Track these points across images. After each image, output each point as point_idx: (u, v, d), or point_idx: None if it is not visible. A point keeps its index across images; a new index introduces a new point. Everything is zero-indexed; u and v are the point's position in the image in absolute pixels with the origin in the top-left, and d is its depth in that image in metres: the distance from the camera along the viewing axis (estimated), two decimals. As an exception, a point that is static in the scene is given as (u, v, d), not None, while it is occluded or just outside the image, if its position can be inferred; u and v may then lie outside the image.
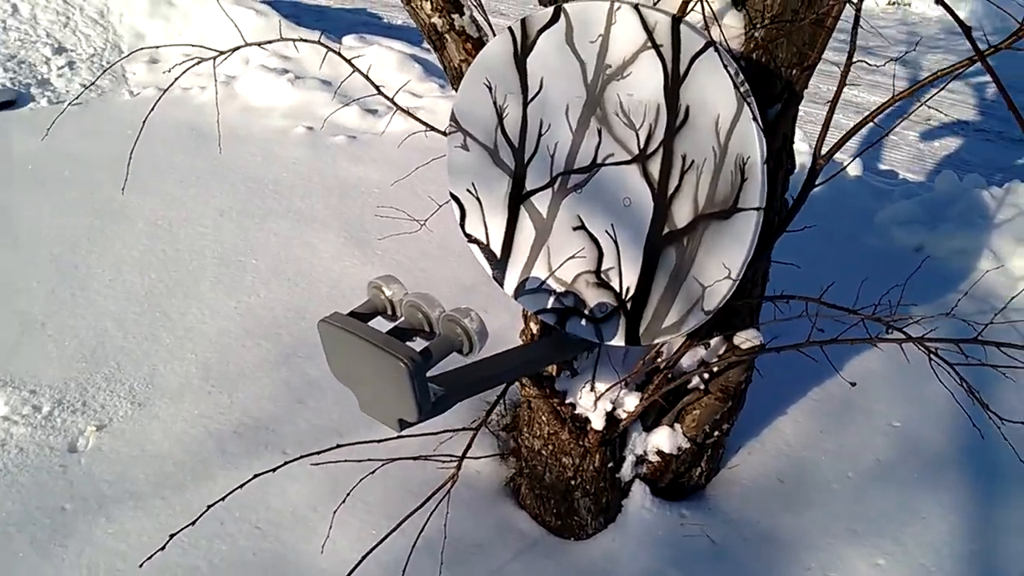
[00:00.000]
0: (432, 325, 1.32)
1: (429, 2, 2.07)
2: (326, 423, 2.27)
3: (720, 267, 1.42)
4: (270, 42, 1.98)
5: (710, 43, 1.36)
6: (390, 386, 1.25)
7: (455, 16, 2.08)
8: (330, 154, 3.95)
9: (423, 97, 4.62)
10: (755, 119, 1.33)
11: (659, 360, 1.79)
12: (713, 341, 1.81)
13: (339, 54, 2.05)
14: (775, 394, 2.34)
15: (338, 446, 1.86)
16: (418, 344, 1.30)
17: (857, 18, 1.49)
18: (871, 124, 1.48)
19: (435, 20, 2.08)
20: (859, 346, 2.34)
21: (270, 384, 2.41)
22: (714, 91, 1.38)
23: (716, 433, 1.95)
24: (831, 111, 1.54)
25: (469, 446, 1.89)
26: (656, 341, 1.54)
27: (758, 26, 1.63)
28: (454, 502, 1.88)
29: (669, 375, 1.74)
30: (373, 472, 1.88)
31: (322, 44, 2.03)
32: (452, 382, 1.36)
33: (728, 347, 1.79)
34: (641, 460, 1.91)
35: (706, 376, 1.84)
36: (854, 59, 1.42)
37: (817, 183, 1.55)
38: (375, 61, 4.77)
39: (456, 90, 2.15)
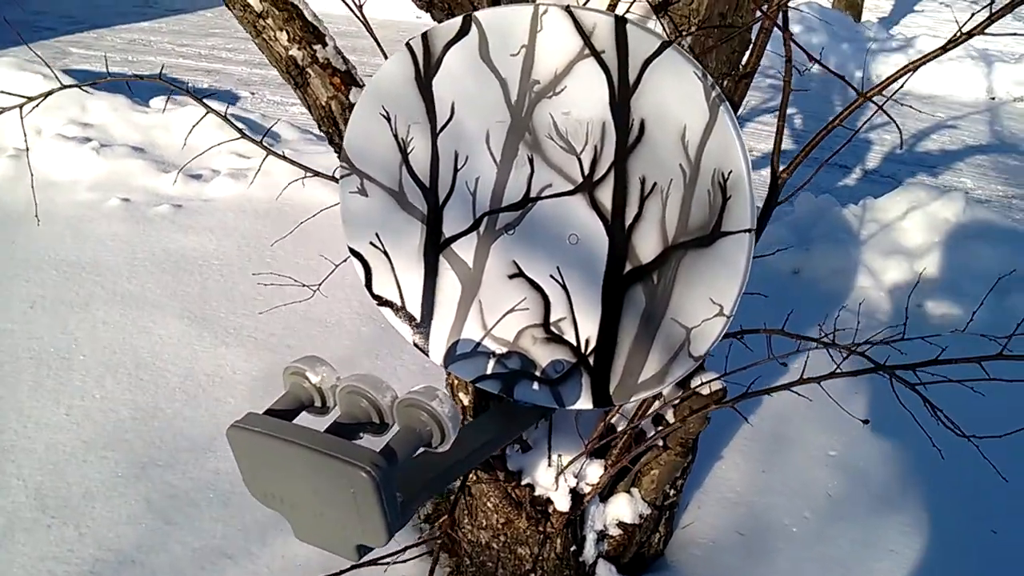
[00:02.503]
0: (383, 415, 1.01)
1: (285, 33, 1.78)
2: (208, 544, 1.86)
3: (707, 303, 1.20)
4: (94, 83, 1.60)
5: (667, 43, 1.16)
6: (343, 504, 0.93)
7: (317, 47, 1.80)
8: (154, 227, 3.47)
9: (252, 157, 4.21)
10: (735, 126, 1.13)
11: (612, 418, 1.55)
12: (667, 390, 1.59)
13: (191, 94, 1.71)
14: (704, 437, 2.17)
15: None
16: (365, 441, 1.00)
17: (786, 23, 1.35)
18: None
19: (294, 53, 1.79)
20: (771, 374, 2.21)
21: (125, 505, 1.96)
22: (676, 99, 1.17)
23: (672, 492, 1.73)
24: (781, 124, 1.39)
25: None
26: (635, 399, 1.30)
27: (684, 33, 1.47)
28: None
29: (635, 436, 1.50)
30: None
31: (163, 81, 1.67)
32: (409, 485, 1.05)
33: (686, 394, 1.57)
34: (602, 536, 1.66)
35: (660, 429, 1.62)
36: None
37: (780, 200, 1.38)
38: (190, 122, 4.32)
39: (326, 131, 1.86)
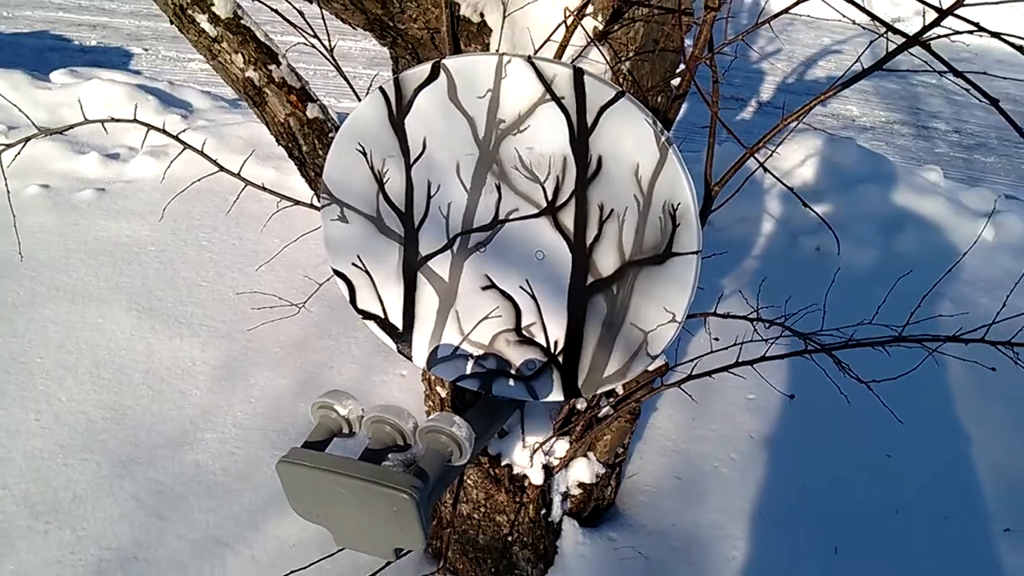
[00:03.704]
0: (406, 438, 1.20)
1: (240, 55, 1.87)
2: (202, 535, 2.01)
3: (660, 311, 1.42)
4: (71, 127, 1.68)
5: (622, 93, 1.34)
6: (385, 519, 1.12)
7: (272, 67, 1.89)
8: (80, 214, 3.45)
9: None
10: (682, 165, 1.33)
11: (576, 401, 1.77)
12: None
13: (159, 128, 1.78)
14: (641, 392, 2.43)
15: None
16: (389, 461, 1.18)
17: (711, 44, 1.54)
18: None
19: (250, 74, 1.88)
20: (694, 328, 2.48)
21: (115, 504, 2.09)
22: (630, 140, 1.36)
23: (621, 451, 1.98)
24: (711, 140, 1.60)
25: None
26: (600, 391, 1.52)
27: (623, 59, 1.64)
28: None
29: (593, 415, 1.73)
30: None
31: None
32: (434, 493, 1.24)
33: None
34: (566, 496, 1.90)
35: (613, 403, 1.86)
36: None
37: (713, 208, 1.60)
38: (100, 98, 4.24)
39: (285, 146, 1.97)
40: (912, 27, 1.26)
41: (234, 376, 2.55)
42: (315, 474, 1.12)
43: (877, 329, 1.66)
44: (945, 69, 1.19)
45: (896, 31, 1.29)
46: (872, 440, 2.39)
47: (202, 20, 1.82)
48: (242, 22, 1.85)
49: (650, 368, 1.82)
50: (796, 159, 3.93)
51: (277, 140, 1.96)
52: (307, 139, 1.92)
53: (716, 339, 1.75)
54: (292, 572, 1.70)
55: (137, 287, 2.97)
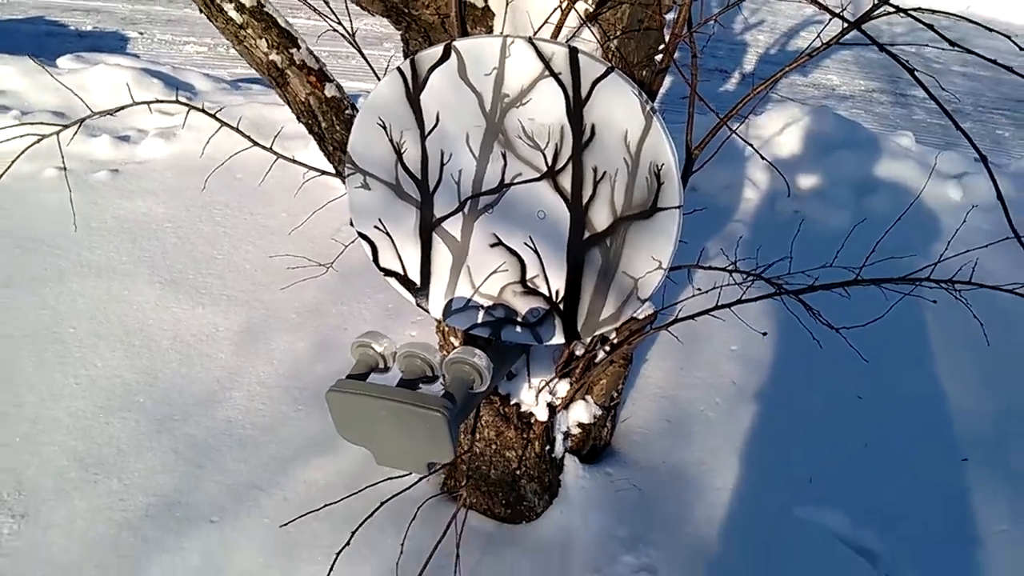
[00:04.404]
0: (434, 369, 1.40)
1: (264, 40, 2.04)
2: (237, 480, 2.21)
3: (649, 260, 1.62)
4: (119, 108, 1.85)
5: (611, 68, 1.53)
6: (420, 436, 1.32)
7: (293, 51, 2.06)
8: (97, 194, 3.63)
9: (175, 115, 4.34)
10: (665, 131, 1.53)
11: (573, 347, 1.98)
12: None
13: (206, 112, 1.96)
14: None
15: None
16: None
17: (689, 23, 1.74)
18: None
19: (273, 58, 2.05)
20: (680, 281, 2.69)
21: (155, 457, 2.28)
22: (619, 110, 1.56)
23: (616, 395, 2.19)
24: (691, 111, 1.80)
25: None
26: (597, 333, 1.72)
27: (611, 37, 1.84)
28: (404, 524, 1.95)
29: (591, 358, 1.94)
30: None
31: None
32: (459, 415, 1.45)
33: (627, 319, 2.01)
34: (567, 435, 2.11)
35: (607, 349, 2.06)
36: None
37: (694, 169, 1.80)
38: (108, 83, 4.40)
39: (306, 123, 2.15)
40: None
41: (256, 340, 2.75)
42: (360, 400, 1.33)
43: (843, 275, 1.87)
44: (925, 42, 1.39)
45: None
46: (845, 382, 2.61)
47: (229, 8, 1.99)
48: (265, 9, 2.02)
49: (640, 316, 2.04)
50: (775, 128, 4.13)
51: (298, 117, 2.14)
52: (325, 116, 2.10)
53: (699, 289, 1.95)
54: (325, 504, 1.91)
55: (158, 261, 3.15)
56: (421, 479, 2.03)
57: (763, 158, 1.97)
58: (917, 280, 1.61)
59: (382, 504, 1.83)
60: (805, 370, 2.63)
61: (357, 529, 1.78)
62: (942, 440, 2.43)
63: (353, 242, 1.90)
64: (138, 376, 2.57)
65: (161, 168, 3.86)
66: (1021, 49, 1.56)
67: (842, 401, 2.57)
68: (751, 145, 1.91)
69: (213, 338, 2.76)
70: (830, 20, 1.84)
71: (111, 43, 6.78)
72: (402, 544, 1.84)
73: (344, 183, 1.84)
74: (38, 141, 1.86)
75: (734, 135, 1.80)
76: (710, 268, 1.95)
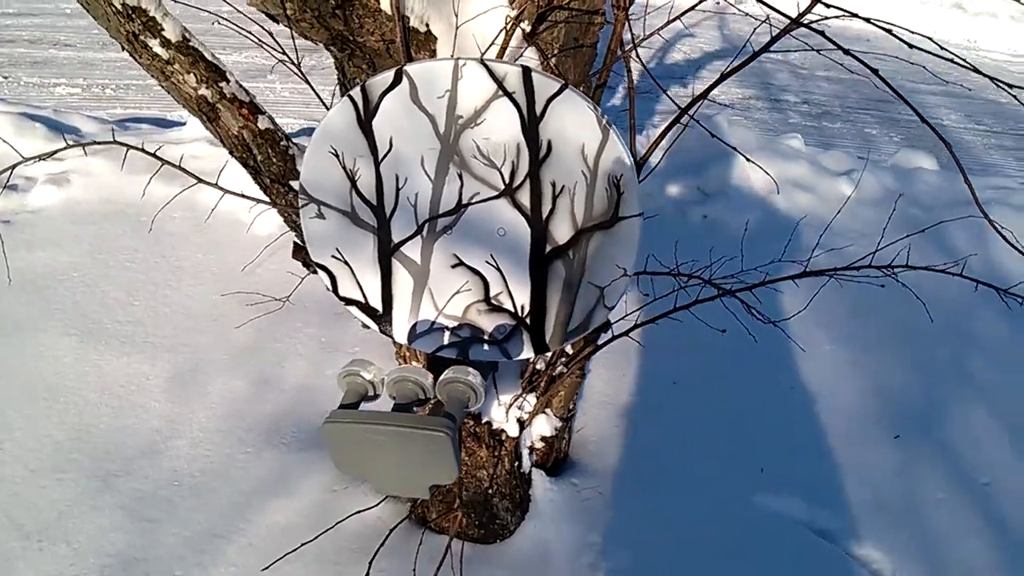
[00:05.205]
0: (426, 392, 1.40)
1: (192, 74, 1.99)
2: (195, 531, 2.12)
3: (613, 268, 1.67)
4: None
5: (565, 84, 1.58)
6: (423, 459, 1.32)
7: (222, 84, 2.03)
8: (-11, 247, 3.40)
9: (64, 159, 4.13)
10: (622, 142, 1.58)
11: (536, 360, 2.01)
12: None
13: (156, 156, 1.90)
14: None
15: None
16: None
17: (634, 43, 1.81)
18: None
19: (203, 92, 2.01)
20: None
21: (102, 515, 2.17)
22: (574, 124, 1.60)
23: (572, 406, 2.23)
24: (632, 123, 1.87)
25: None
26: (567, 343, 1.75)
27: (549, 55, 1.89)
28: (379, 554, 1.93)
29: (554, 370, 1.97)
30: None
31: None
32: (456, 425, 1.45)
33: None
34: (532, 450, 2.13)
35: (564, 360, 2.10)
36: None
37: (641, 179, 1.86)
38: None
39: (240, 157, 2.11)
40: (753, 7, 1.56)
41: (189, 385, 2.65)
42: (359, 429, 1.31)
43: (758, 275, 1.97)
44: (827, 49, 1.49)
45: (781, 12, 1.59)
46: (779, 374, 2.74)
47: (154, 44, 1.93)
48: (190, 44, 1.98)
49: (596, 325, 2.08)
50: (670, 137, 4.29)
51: (231, 152, 2.09)
52: (260, 148, 2.07)
53: (647, 294, 2.02)
54: (301, 544, 1.86)
55: (69, 312, 2.99)
56: (378, 505, 2.00)
57: (746, 157, 2.06)
58: (859, 267, 1.72)
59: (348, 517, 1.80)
60: (740, 365, 2.74)
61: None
62: (875, 420, 2.58)
63: (311, 273, 1.86)
64: (69, 433, 2.43)
65: (57, 216, 3.67)
66: (911, 46, 1.68)
67: (778, 392, 2.69)
68: (733, 146, 2.00)
69: (143, 387, 2.64)
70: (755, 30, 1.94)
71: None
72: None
73: (289, 215, 1.81)
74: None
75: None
76: (656, 273, 2.02)
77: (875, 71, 1.41)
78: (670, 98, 1.91)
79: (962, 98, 7.54)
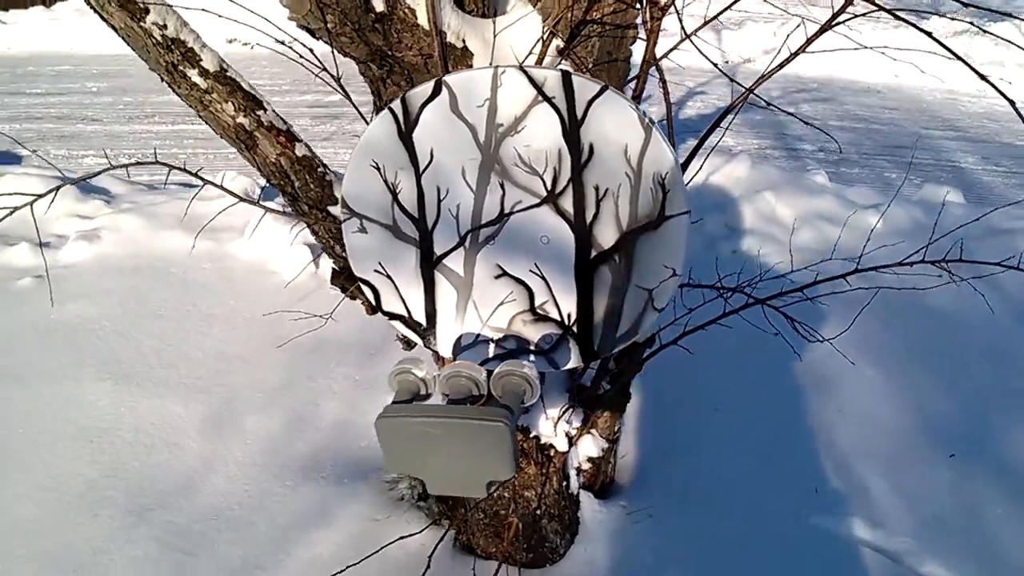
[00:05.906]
0: (480, 387, 1.37)
1: (231, 103, 2.02)
2: (236, 563, 2.07)
3: (661, 269, 1.64)
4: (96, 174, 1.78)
5: (606, 86, 1.58)
6: (479, 454, 1.28)
7: (260, 112, 2.05)
8: (26, 301, 3.43)
9: (95, 217, 4.19)
10: (665, 140, 1.58)
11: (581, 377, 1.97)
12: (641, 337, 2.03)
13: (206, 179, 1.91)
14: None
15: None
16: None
17: (656, 60, 1.83)
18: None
19: (241, 120, 2.03)
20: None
21: (138, 548, 2.14)
22: (616, 126, 1.60)
23: (618, 427, 2.18)
24: (670, 127, 1.86)
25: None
26: (616, 350, 1.72)
27: (584, 69, 1.90)
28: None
29: (604, 384, 1.93)
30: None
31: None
32: (514, 417, 1.40)
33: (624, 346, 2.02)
34: (579, 471, 2.07)
35: (612, 372, 2.06)
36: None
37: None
38: (19, 190, 4.21)
39: (278, 184, 2.12)
40: (760, 65, 1.57)
41: (223, 425, 2.62)
42: (415, 422, 1.28)
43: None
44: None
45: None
46: (821, 397, 2.68)
47: (193, 74, 1.96)
48: (228, 74, 2.01)
49: (639, 340, 2.05)
50: (701, 175, 4.31)
51: (268, 180, 2.10)
52: (298, 175, 2.08)
53: (687, 308, 1.99)
54: (345, 568, 1.80)
55: (102, 360, 2.99)
56: (421, 532, 1.95)
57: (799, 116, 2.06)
58: (912, 263, 1.69)
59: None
60: (782, 392, 2.68)
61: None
62: (924, 440, 2.51)
63: (353, 288, 1.85)
64: (104, 471, 2.40)
65: (88, 271, 3.70)
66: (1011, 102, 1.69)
67: (824, 415, 2.62)
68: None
69: (178, 427, 2.61)
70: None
71: (3, 162, 6.53)
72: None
73: (327, 240, 1.81)
74: None
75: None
76: (702, 286, 2.00)
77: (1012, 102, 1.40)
78: (730, 78, 1.91)
79: (978, 142, 7.57)
